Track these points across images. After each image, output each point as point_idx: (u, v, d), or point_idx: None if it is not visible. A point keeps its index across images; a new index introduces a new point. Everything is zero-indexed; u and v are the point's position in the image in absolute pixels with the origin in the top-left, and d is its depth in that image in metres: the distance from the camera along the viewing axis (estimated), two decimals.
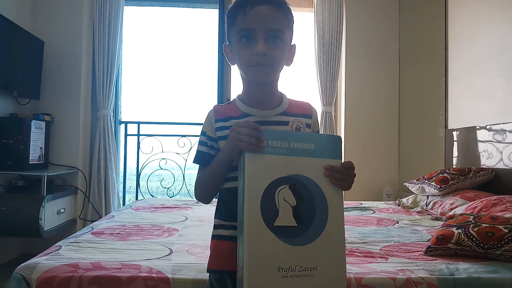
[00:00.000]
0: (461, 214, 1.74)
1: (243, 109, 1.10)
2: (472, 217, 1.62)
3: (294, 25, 1.12)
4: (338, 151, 1.00)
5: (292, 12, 1.11)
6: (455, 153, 2.97)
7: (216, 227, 1.08)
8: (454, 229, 1.54)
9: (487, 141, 2.59)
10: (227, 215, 1.05)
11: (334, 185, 0.97)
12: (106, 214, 3.46)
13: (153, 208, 2.46)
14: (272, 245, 0.89)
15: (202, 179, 1.10)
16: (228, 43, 1.13)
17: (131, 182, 4.16)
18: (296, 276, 0.89)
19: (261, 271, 0.87)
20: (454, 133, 2.97)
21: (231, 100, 1.16)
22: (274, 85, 1.12)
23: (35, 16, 3.45)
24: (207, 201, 1.11)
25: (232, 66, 1.14)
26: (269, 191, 0.91)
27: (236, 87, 3.79)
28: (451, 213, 2.20)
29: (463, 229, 1.52)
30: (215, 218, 1.10)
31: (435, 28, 3.25)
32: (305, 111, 1.14)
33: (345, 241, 0.97)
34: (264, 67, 1.04)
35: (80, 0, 3.50)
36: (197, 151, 1.12)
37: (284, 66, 1.11)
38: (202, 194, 1.11)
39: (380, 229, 1.98)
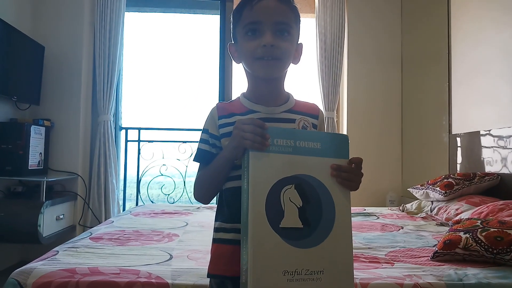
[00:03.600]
0: (468, 219, 1.70)
1: (248, 105, 1.07)
2: (479, 221, 1.58)
3: (300, 24, 1.10)
4: (345, 150, 0.96)
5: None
6: (459, 159, 2.93)
7: (216, 230, 1.04)
8: (461, 233, 1.50)
9: (492, 146, 2.56)
10: (229, 217, 1.00)
11: (341, 185, 0.93)
12: (105, 220, 3.42)
13: (153, 213, 2.42)
14: (278, 248, 0.85)
15: (203, 178, 1.06)
16: (233, 42, 1.10)
17: (131, 190, 4.13)
18: (302, 280, 0.85)
19: (266, 274, 0.84)
20: (458, 138, 2.93)
21: (235, 98, 1.13)
22: (281, 82, 1.09)
23: (36, 21, 3.43)
24: (206, 201, 1.08)
25: (237, 64, 1.11)
26: (274, 191, 0.88)
27: (238, 93, 3.76)
28: (456, 218, 2.15)
29: (470, 234, 1.48)
30: (215, 220, 1.06)
31: (438, 32, 3.24)
32: (312, 111, 1.11)
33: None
34: (271, 61, 1.01)
35: (81, 5, 3.49)
36: (198, 149, 1.08)
37: (291, 64, 1.08)
38: (202, 194, 1.07)
39: (384, 235, 1.94)
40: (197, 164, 1.09)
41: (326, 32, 3.72)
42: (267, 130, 0.90)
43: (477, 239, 1.45)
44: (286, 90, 1.11)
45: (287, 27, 1.03)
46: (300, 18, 1.10)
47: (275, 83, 1.08)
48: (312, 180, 0.91)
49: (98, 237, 1.76)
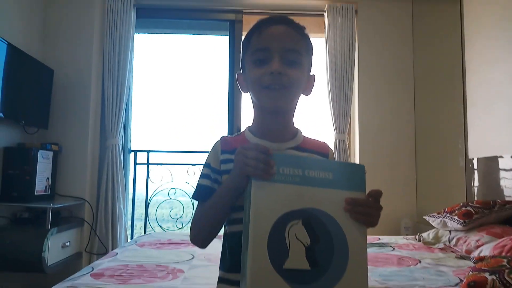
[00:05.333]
0: (492, 257, 1.59)
1: (252, 140, 1.00)
2: (506, 260, 1.47)
3: (313, 54, 1.03)
4: (361, 182, 0.86)
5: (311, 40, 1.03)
6: (477, 184, 2.81)
7: (220, 280, 0.96)
8: (487, 274, 1.39)
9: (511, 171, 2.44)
10: (232, 265, 0.91)
11: (356, 221, 0.83)
12: (112, 247, 3.36)
13: (159, 244, 2.34)
14: None
15: (200, 214, 0.96)
16: (242, 71, 1.05)
17: (141, 209, 4.07)
18: None
19: None
20: (475, 163, 2.82)
21: (241, 131, 1.07)
22: (290, 116, 1.02)
23: (45, 44, 3.43)
24: (202, 243, 0.97)
25: (244, 94, 1.04)
26: (279, 226, 0.78)
27: (247, 116, 3.71)
28: (477, 251, 2.04)
29: (497, 275, 1.37)
30: (219, 269, 0.98)
31: (451, 52, 3.15)
32: (321, 149, 1.03)
33: None
34: (279, 90, 0.94)
35: (91, 28, 3.48)
36: (198, 184, 0.99)
37: (302, 96, 1.02)
38: (198, 233, 0.97)
39: (401, 270, 1.83)
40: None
41: (336, 52, 3.66)
42: (272, 157, 0.82)
43: (505, 281, 1.34)
44: (295, 126, 1.04)
45: (297, 55, 0.97)
46: (313, 48, 1.04)
47: (283, 116, 1.01)
48: (322, 215, 0.81)
49: (99, 273, 1.68)
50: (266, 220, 0.78)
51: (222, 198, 0.91)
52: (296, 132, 1.04)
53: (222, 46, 4.01)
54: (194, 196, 0.99)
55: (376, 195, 0.86)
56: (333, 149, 3.51)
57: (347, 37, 3.66)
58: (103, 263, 1.85)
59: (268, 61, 0.95)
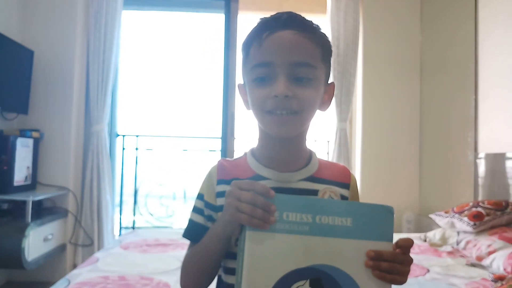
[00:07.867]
0: None
1: (256, 168, 0.81)
2: None
3: (331, 56, 0.83)
4: (388, 229, 0.69)
5: (329, 42, 0.82)
6: (486, 180, 2.64)
7: None
8: None
9: None
10: None
11: (379, 279, 0.66)
12: (98, 238, 3.18)
13: (145, 245, 2.16)
14: None
15: (190, 260, 0.80)
16: (243, 83, 0.85)
17: (128, 197, 3.92)
18: None
19: None
20: (486, 158, 2.64)
21: (243, 154, 0.87)
22: (302, 139, 0.83)
23: (24, 24, 3.16)
24: None
25: (247, 110, 0.86)
26: None
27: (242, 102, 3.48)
28: (489, 259, 1.89)
29: None
30: None
31: (463, 37, 2.93)
32: (340, 177, 0.84)
33: None
34: (286, 116, 0.75)
35: (74, 6, 3.21)
36: (189, 220, 0.82)
37: (318, 111, 0.82)
38: (189, 282, 0.80)
39: (409, 283, 1.67)
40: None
41: (339, 35, 3.43)
42: (273, 200, 0.65)
43: None
44: (307, 147, 0.85)
45: (309, 69, 0.76)
46: (331, 50, 0.83)
47: (293, 141, 0.81)
48: (336, 274, 0.65)
49: None
50: (264, 281, 0.62)
51: (211, 245, 0.74)
52: (310, 156, 0.85)
53: (216, 24, 3.77)
54: (185, 235, 0.83)
55: (405, 245, 0.68)
56: (333, 132, 3.32)
57: (351, 20, 3.42)
58: (81, 274, 1.66)
59: (271, 80, 0.75)
